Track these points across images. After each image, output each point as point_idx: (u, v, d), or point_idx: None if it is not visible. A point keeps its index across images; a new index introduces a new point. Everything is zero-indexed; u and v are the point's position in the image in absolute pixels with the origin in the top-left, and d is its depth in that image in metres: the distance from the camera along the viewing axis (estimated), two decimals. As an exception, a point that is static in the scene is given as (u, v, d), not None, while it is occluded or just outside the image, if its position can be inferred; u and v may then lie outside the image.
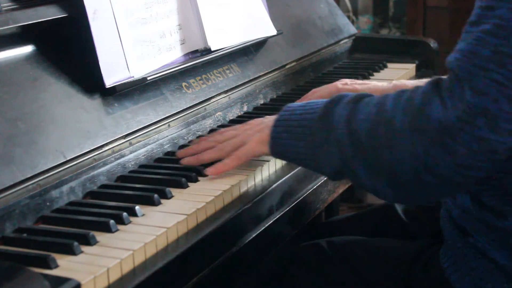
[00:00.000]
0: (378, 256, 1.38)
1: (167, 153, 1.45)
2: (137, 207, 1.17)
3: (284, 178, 1.35)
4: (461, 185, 1.09)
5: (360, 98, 1.17)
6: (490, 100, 1.00)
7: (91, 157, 1.28)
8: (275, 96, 1.85)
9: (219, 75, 1.68)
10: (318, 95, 1.61)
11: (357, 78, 1.99)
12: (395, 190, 1.11)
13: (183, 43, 1.59)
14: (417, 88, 1.10)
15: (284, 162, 1.40)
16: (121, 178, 1.33)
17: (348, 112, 1.15)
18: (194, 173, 1.31)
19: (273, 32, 1.87)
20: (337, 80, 1.99)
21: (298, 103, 1.29)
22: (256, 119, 1.38)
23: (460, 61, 1.04)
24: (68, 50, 1.38)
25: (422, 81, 1.55)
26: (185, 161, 1.35)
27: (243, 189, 1.30)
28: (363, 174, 1.12)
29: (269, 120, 1.31)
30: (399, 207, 1.58)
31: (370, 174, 1.12)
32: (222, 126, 1.64)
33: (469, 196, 1.22)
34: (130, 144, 1.38)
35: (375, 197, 1.17)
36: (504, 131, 1.01)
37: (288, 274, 1.44)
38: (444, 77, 1.08)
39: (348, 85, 1.63)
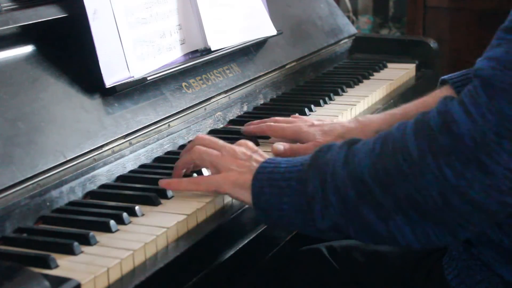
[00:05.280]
0: (379, 262, 1.35)
1: (167, 153, 1.45)
2: (137, 207, 1.17)
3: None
4: (494, 214, 0.98)
5: (353, 141, 1.08)
6: None
7: (91, 157, 1.28)
8: (275, 96, 1.85)
9: (219, 75, 1.68)
10: (281, 134, 1.46)
11: (357, 78, 1.99)
12: (413, 226, 1.00)
13: (183, 43, 1.59)
14: (423, 113, 1.01)
15: None
16: (121, 178, 1.33)
17: (345, 155, 1.06)
18: (194, 173, 1.31)
19: (273, 32, 1.87)
20: (336, 80, 1.99)
21: (282, 158, 1.17)
22: (241, 146, 1.23)
23: (499, 71, 0.95)
24: (68, 50, 1.38)
25: (389, 113, 1.46)
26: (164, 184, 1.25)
27: (243, 189, 1.30)
28: (372, 217, 1.02)
29: (256, 159, 1.19)
30: None
31: (381, 214, 1.01)
32: (220, 130, 1.64)
33: None
34: (130, 144, 1.38)
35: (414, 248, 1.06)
36: None
37: (287, 279, 1.42)
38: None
39: (314, 126, 1.46)
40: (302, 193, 1.08)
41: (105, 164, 1.31)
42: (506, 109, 0.93)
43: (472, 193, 0.95)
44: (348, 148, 1.07)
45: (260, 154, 1.22)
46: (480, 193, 0.95)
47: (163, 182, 1.24)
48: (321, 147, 1.11)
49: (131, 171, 1.36)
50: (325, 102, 1.79)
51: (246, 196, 1.16)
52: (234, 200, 1.27)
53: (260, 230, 1.26)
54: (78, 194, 1.25)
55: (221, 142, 1.26)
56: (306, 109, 1.70)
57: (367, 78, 2.03)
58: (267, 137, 1.51)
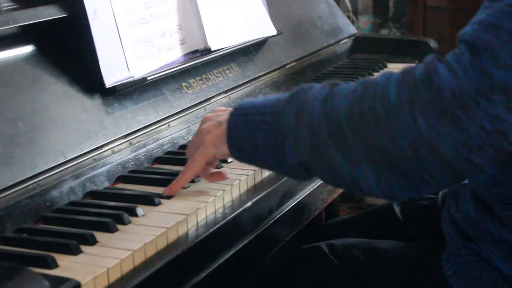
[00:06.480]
0: (379, 259, 1.36)
1: (167, 153, 1.45)
2: (137, 207, 1.17)
3: (284, 179, 1.35)
4: (460, 173, 1.00)
5: (336, 83, 1.09)
6: None
7: (91, 157, 1.28)
8: (275, 96, 1.85)
9: (219, 75, 1.68)
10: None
11: (357, 78, 1.99)
12: (378, 175, 1.00)
13: (183, 43, 1.59)
14: (411, 66, 1.02)
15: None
16: (121, 178, 1.33)
17: (326, 94, 1.05)
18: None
19: (273, 32, 1.87)
20: (337, 79, 1.99)
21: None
22: (219, 109, 1.24)
23: (480, 32, 0.97)
24: (68, 50, 1.38)
25: None
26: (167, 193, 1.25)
27: (243, 189, 1.30)
28: (339, 160, 1.02)
29: (226, 112, 1.19)
30: (397, 208, 1.58)
31: (348, 158, 1.01)
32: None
33: (473, 203, 1.20)
34: (130, 144, 1.38)
35: (375, 197, 1.09)
36: None
37: (288, 277, 1.43)
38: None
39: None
40: (277, 127, 1.09)
41: (105, 164, 1.31)
42: (487, 67, 0.95)
43: (442, 147, 0.96)
44: (330, 88, 1.07)
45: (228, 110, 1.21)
46: (450, 148, 0.96)
47: (165, 192, 1.24)
48: (302, 86, 1.11)
49: (131, 171, 1.36)
50: (325, 102, 1.78)
51: (225, 146, 1.16)
52: (233, 200, 1.27)
53: (260, 230, 1.26)
54: (78, 194, 1.25)
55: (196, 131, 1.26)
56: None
57: (367, 78, 2.03)
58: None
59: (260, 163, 1.15)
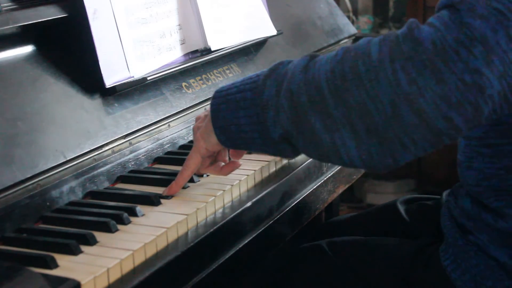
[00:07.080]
0: (379, 255, 1.37)
1: (167, 153, 1.45)
2: (137, 207, 1.17)
3: (287, 177, 1.35)
4: (438, 135, 0.98)
5: (316, 55, 1.09)
6: (490, 27, 0.96)
7: (91, 157, 1.28)
8: (275, 96, 1.85)
9: (219, 75, 1.68)
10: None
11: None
12: (358, 142, 1.00)
13: (183, 43, 1.59)
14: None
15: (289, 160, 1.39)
16: (121, 178, 1.33)
17: (306, 63, 1.05)
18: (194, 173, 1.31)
19: (273, 32, 1.87)
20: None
21: None
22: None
23: None
24: (68, 50, 1.38)
25: None
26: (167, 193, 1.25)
27: (243, 189, 1.30)
28: (319, 127, 1.02)
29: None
30: (401, 207, 1.58)
31: (328, 125, 1.01)
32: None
33: (470, 199, 1.23)
34: (130, 144, 1.38)
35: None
36: (495, 69, 0.96)
37: (289, 276, 1.43)
38: None
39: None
40: (258, 102, 1.09)
41: (105, 164, 1.31)
42: (466, 18, 0.96)
43: (422, 102, 0.96)
44: (310, 59, 1.07)
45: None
46: (430, 103, 0.96)
47: (165, 192, 1.24)
48: (281, 61, 1.12)
49: (131, 171, 1.36)
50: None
51: (213, 134, 1.16)
52: (233, 200, 1.27)
53: (260, 230, 1.26)
54: (78, 194, 1.25)
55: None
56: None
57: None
58: None
59: (248, 144, 1.14)
